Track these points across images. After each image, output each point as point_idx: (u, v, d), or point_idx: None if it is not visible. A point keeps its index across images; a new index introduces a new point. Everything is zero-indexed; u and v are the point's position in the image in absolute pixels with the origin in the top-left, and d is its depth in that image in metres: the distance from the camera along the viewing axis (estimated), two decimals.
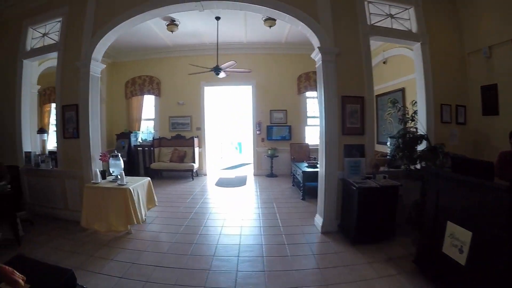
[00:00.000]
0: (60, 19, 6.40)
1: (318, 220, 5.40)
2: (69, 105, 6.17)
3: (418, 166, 4.92)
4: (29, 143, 7.04)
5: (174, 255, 4.45)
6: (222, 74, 8.61)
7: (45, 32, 6.73)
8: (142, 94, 11.59)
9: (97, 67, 6.12)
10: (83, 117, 5.99)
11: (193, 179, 10.36)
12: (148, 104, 11.97)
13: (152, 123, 12.05)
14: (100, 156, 5.99)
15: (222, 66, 8.22)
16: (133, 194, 5.32)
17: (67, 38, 6.26)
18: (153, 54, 11.32)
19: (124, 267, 4.09)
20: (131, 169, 10.81)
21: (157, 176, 10.83)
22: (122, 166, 5.92)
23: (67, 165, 6.28)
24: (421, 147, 5.03)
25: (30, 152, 6.80)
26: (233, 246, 4.75)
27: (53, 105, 10.05)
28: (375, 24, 5.60)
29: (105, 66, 6.38)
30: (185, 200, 7.58)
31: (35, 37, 6.88)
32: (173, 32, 8.48)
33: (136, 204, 5.36)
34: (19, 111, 6.84)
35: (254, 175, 10.98)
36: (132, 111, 11.75)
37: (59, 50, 6.33)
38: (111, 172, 5.94)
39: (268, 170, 10.65)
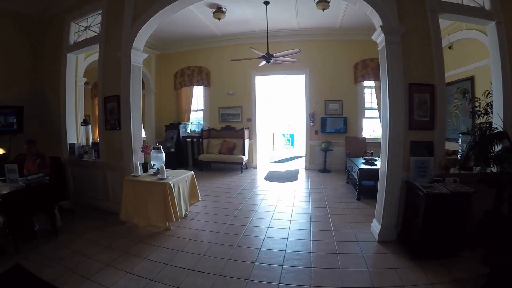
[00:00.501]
0: (101, 11, 6.36)
1: (375, 226, 4.70)
2: (110, 96, 6.08)
3: (494, 169, 3.98)
4: (74, 135, 7.20)
5: (212, 258, 4.07)
6: (272, 62, 8.02)
7: (87, 25, 6.83)
8: (191, 84, 11.44)
9: (138, 56, 5.90)
10: (124, 108, 5.83)
11: (242, 172, 10.03)
12: (198, 94, 11.80)
13: (201, 114, 11.86)
14: (142, 148, 5.75)
15: (276, 54, 7.61)
16: (173, 189, 5.03)
17: (107, 29, 6.17)
18: (201, 44, 11.10)
19: (156, 268, 3.82)
20: (179, 160, 10.89)
21: (206, 167, 10.68)
22: (164, 159, 5.62)
23: (109, 157, 6.22)
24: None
25: (74, 143, 6.93)
26: (278, 252, 4.24)
27: None
28: (443, 0, 4.68)
29: (147, 55, 6.18)
30: (231, 195, 7.22)
31: (78, 31, 7.03)
32: (220, 20, 8.07)
33: (176, 200, 5.06)
34: (63, 103, 6.99)
35: (306, 169, 10.37)
36: (181, 102, 11.69)
37: (101, 42, 6.25)
38: (152, 165, 5.69)
39: (321, 165, 9.99)
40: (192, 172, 5.96)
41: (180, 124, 11.16)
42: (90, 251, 4.35)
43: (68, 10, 6.97)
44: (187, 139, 11.24)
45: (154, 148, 5.61)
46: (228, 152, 10.18)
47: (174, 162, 10.75)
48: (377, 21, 4.61)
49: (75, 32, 7.04)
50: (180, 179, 5.41)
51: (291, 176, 9.23)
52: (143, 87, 11.49)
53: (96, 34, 6.51)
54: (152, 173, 5.59)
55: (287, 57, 7.71)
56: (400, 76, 4.36)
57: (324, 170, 9.84)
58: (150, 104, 11.65)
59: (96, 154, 6.52)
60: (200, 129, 11.22)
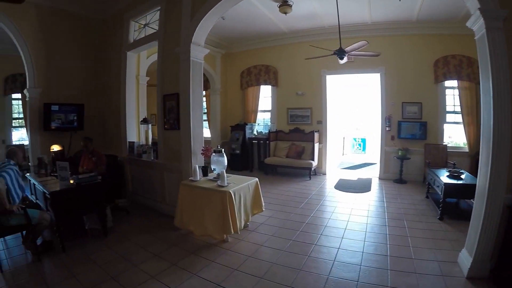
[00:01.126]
0: (159, 7, 6.19)
1: (465, 258, 3.66)
2: (169, 94, 5.85)
3: None
4: (134, 133, 7.21)
5: (271, 283, 3.47)
6: (345, 59, 7.18)
7: (146, 23, 6.77)
8: (258, 84, 11.02)
9: (198, 52, 5.55)
10: (183, 107, 5.53)
11: (310, 178, 9.29)
12: (265, 94, 11.35)
13: (268, 115, 11.39)
14: (202, 150, 5.33)
15: (348, 48, 6.77)
16: (233, 199, 4.52)
17: (166, 25, 5.97)
18: (267, 42, 10.64)
19: None
20: (244, 163, 10.63)
21: (272, 171, 10.16)
22: (225, 164, 5.14)
23: (167, 158, 6.00)
24: None
25: (133, 142, 6.89)
26: (349, 282, 3.48)
27: None
28: None
29: (208, 51, 5.79)
30: (298, 205, 6.57)
31: (137, 29, 7.05)
32: (287, 15, 7.41)
33: (236, 211, 4.56)
34: (124, 101, 6.99)
35: (379, 178, 9.33)
36: (247, 102, 11.32)
37: (159, 39, 6.09)
38: (213, 169, 5.27)
39: (396, 174, 8.88)
40: (257, 179, 5.40)
41: (246, 125, 10.80)
42: (138, 258, 4.12)
43: (126, 9, 6.98)
44: (253, 141, 10.84)
45: (215, 151, 5.15)
46: (296, 156, 9.56)
47: (239, 164, 10.54)
48: (473, 3, 3.64)
49: (134, 30, 7.03)
50: (242, 187, 4.90)
51: (363, 186, 8.30)
52: (208, 87, 11.50)
53: (155, 31, 6.37)
54: (211, 178, 5.16)
55: (361, 51, 6.86)
56: (505, 69, 3.27)
57: (400, 180, 8.71)
58: (215, 104, 11.50)
59: (155, 154, 6.34)
60: (267, 131, 10.74)
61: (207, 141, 12.99)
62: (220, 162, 5.08)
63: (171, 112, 5.78)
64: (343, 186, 8.33)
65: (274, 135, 10.37)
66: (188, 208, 4.91)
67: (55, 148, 6.41)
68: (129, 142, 6.92)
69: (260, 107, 11.32)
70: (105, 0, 7.24)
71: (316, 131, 9.74)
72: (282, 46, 10.48)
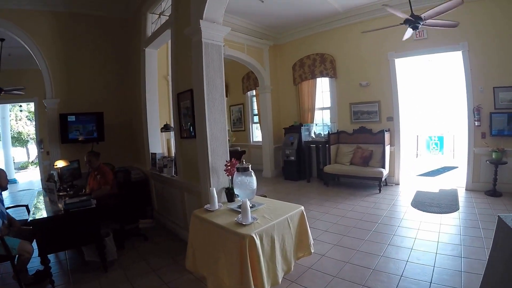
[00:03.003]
0: None
1: None
2: (183, 92, 4.54)
3: None
4: (158, 143, 6.22)
5: None
6: (413, 35, 5.26)
7: (161, 11, 5.65)
8: (313, 77, 9.30)
9: (214, 30, 4.04)
10: (198, 107, 4.14)
11: (380, 191, 7.30)
12: (322, 89, 9.62)
13: (328, 113, 9.58)
14: (226, 166, 3.87)
15: (428, 13, 4.66)
16: (257, 245, 2.91)
17: (178, 7, 4.72)
18: (319, 26, 8.94)
19: None
20: (300, 171, 9.10)
21: (333, 181, 8.46)
22: (254, 187, 3.56)
23: (186, 175, 4.73)
24: None
25: (155, 153, 5.78)
26: None
27: None
28: None
29: (228, 29, 4.27)
30: (363, 234, 4.72)
31: (153, 21, 6.04)
32: None
33: (263, 262, 2.95)
34: (144, 105, 5.99)
35: (466, 189, 6.95)
36: (302, 99, 9.72)
37: (171, 25, 4.88)
38: (236, 195, 3.82)
39: (488, 184, 6.52)
40: (302, 208, 3.67)
41: (302, 126, 9.21)
42: None
43: (143, 1, 6.02)
44: (311, 145, 9.18)
45: (238, 169, 3.59)
46: (362, 163, 7.65)
47: (294, 172, 9.02)
48: None
49: (151, 23, 6.00)
50: (277, 224, 3.25)
51: (449, 202, 6.10)
52: (257, 85, 10.23)
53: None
54: (235, 207, 3.65)
55: (439, 19, 4.82)
56: None
57: (494, 192, 6.32)
58: (266, 104, 10.05)
59: (175, 168, 5.08)
60: (326, 132, 8.89)
61: (255, 147, 12.14)
62: (245, 185, 3.49)
63: (186, 115, 4.47)
64: (422, 202, 6.23)
65: (335, 137, 8.53)
66: (201, 248, 3.51)
67: (59, 164, 5.54)
68: (151, 153, 5.85)
69: (317, 104, 9.58)
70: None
71: (386, 131, 7.68)
72: (337, 29, 8.68)
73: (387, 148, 7.56)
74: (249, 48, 9.04)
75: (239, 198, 3.65)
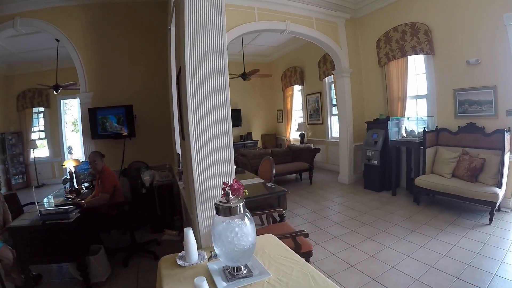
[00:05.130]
0: None
1: None
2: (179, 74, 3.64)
3: None
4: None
5: None
6: None
7: None
8: (404, 55, 7.22)
9: None
10: (183, 89, 2.77)
11: (491, 221, 4.99)
12: (416, 71, 7.44)
13: (424, 102, 7.34)
14: (224, 189, 2.07)
15: None
16: None
17: None
18: None
19: None
20: (385, 179, 7.26)
21: (426, 198, 6.43)
22: (248, 242, 1.95)
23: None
24: None
25: (179, 154, 5.21)
26: None
27: None
28: None
29: None
30: None
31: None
32: None
33: None
34: (171, 94, 5.37)
35: None
36: (390, 84, 7.72)
37: None
38: (212, 253, 2.33)
39: None
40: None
41: (390, 120, 7.22)
42: None
43: None
44: (400, 145, 7.18)
45: (218, 210, 1.95)
46: (469, 177, 5.43)
47: (377, 181, 7.17)
48: None
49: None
50: None
51: None
52: (333, 68, 8.55)
53: None
54: (216, 268, 2.13)
55: None
56: None
57: None
58: (344, 91, 8.33)
59: None
60: (422, 130, 6.58)
61: (334, 143, 10.20)
62: (229, 240, 1.92)
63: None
64: None
65: (433, 136, 6.38)
66: None
67: (68, 164, 5.15)
68: (178, 153, 5.04)
69: (409, 92, 7.39)
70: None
71: (507, 131, 5.18)
72: None
73: (507, 157, 5.11)
74: (319, 22, 7.51)
75: (220, 258, 2.09)
